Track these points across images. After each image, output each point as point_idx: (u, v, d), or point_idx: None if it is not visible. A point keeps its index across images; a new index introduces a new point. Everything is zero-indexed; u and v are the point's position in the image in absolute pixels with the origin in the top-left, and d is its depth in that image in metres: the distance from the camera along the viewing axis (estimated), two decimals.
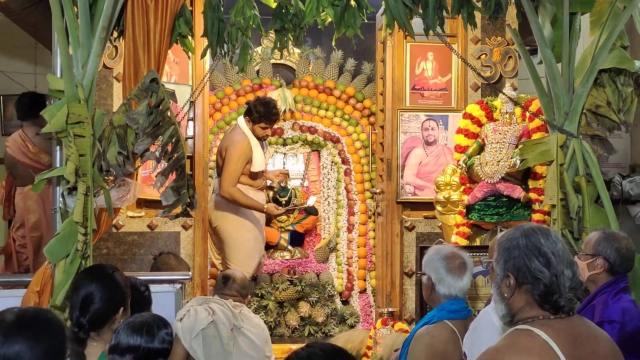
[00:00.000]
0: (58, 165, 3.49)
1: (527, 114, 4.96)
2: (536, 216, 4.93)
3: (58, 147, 3.52)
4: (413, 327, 3.70)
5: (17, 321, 2.01)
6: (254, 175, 5.70)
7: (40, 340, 1.99)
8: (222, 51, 3.98)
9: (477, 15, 4.23)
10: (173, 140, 3.56)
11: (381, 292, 5.90)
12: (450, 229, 5.26)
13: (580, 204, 3.75)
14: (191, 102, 5.16)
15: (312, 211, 6.51)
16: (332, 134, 6.53)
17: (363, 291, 6.46)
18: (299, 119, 6.49)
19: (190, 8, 4.00)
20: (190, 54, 4.21)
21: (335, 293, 6.35)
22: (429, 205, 5.48)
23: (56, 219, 3.49)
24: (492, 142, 5.06)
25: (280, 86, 6.45)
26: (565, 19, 3.81)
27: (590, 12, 4.00)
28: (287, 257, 6.39)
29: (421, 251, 4.82)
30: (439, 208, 5.30)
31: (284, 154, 6.69)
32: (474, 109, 5.29)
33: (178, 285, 3.95)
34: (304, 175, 6.70)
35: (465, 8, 3.93)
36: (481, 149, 5.18)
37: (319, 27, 4.11)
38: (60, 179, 3.42)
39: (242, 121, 5.65)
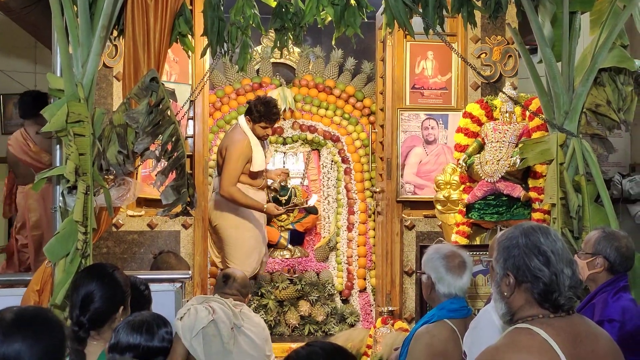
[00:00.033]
0: (58, 164, 3.50)
1: (527, 113, 4.96)
2: (536, 215, 4.93)
3: (58, 146, 3.52)
4: (413, 326, 3.70)
5: (17, 320, 2.01)
6: (254, 175, 5.69)
7: (40, 339, 1.99)
8: (222, 50, 3.98)
9: (477, 15, 4.23)
10: (173, 139, 3.56)
11: (381, 291, 5.90)
12: (450, 228, 5.26)
13: (580, 203, 3.75)
14: (191, 101, 5.16)
15: (312, 210, 6.51)
16: (332, 133, 6.53)
17: (363, 290, 6.47)
18: (298, 118, 6.49)
19: (190, 7, 3.99)
20: (190, 53, 4.21)
21: (335, 292, 6.36)
22: (429, 204, 5.48)
23: (56, 218, 3.50)
24: (492, 141, 5.05)
25: (280, 85, 6.45)
26: (565, 18, 3.81)
27: (590, 11, 4.00)
28: (287, 256, 6.39)
29: (421, 250, 4.81)
30: (439, 207, 5.30)
31: (284, 153, 6.69)
32: (474, 108, 5.28)
33: (178, 284, 3.95)
34: (303, 174, 6.70)
35: (465, 7, 3.93)
36: (481, 148, 5.18)
37: (319, 26, 4.11)
38: (60, 178, 3.42)
39: (242, 120, 5.65)
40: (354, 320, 6.20)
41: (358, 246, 6.51)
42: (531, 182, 5.05)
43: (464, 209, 5.17)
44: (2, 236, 7.17)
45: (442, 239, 5.22)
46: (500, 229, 4.87)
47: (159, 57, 3.70)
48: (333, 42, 4.37)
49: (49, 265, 3.41)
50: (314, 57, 6.64)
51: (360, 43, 5.07)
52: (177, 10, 3.77)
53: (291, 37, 4.13)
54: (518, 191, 4.97)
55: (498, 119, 5.17)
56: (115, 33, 3.81)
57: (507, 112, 5.11)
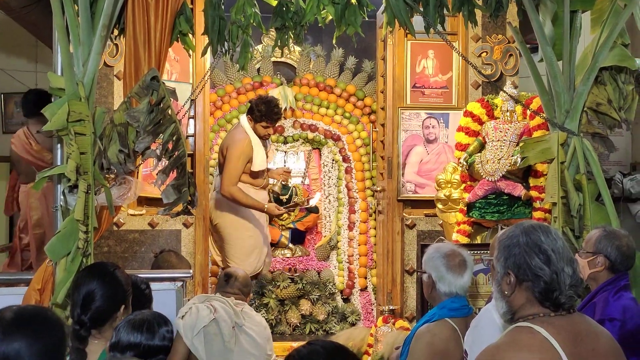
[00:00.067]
0: (59, 163, 3.50)
1: (528, 112, 4.96)
2: (537, 214, 4.92)
3: (59, 145, 3.52)
4: (414, 325, 3.70)
5: (16, 319, 2.01)
6: (255, 174, 5.69)
7: (40, 338, 1.99)
8: (223, 49, 3.97)
9: (478, 13, 4.23)
10: (174, 138, 3.56)
11: (382, 290, 5.90)
12: (451, 227, 5.26)
13: (581, 202, 3.75)
14: (192, 100, 5.16)
15: (313, 209, 6.51)
16: (333, 132, 6.53)
17: (364, 289, 6.47)
18: (299, 117, 6.50)
19: (190, 6, 4.00)
20: (190, 52, 4.21)
21: (336, 291, 6.36)
22: (429, 203, 5.48)
23: (57, 217, 3.50)
24: (492, 140, 5.05)
25: (281, 84, 6.45)
26: (566, 16, 3.81)
27: (591, 10, 3.99)
28: (288, 255, 6.40)
29: (422, 249, 4.80)
30: (439, 206, 5.30)
31: (285, 152, 6.69)
32: (475, 107, 5.28)
33: (179, 283, 3.95)
34: (304, 173, 6.70)
35: (466, 6, 3.93)
36: (482, 147, 5.17)
37: (320, 25, 4.11)
38: (61, 177, 3.42)
39: (244, 120, 5.65)
40: (355, 319, 6.20)
41: (359, 245, 6.51)
42: (532, 181, 5.04)
43: (465, 208, 5.16)
44: (3, 235, 7.18)
45: (443, 237, 5.21)
46: (501, 228, 4.87)
47: (160, 56, 3.70)
48: (334, 41, 4.36)
49: (50, 264, 3.41)
50: (314, 56, 6.64)
51: (361, 42, 5.07)
52: (177, 9, 3.77)
53: (292, 36, 4.12)
54: (519, 190, 4.97)
55: (499, 118, 5.16)
56: (116, 32, 3.81)
57: (508, 111, 5.10)
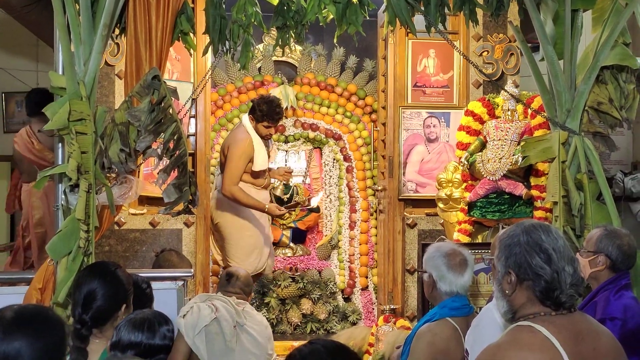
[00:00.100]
0: (60, 163, 3.50)
1: (529, 111, 4.96)
2: (538, 213, 4.92)
3: (60, 144, 3.52)
4: (415, 325, 3.70)
5: (17, 318, 2.01)
6: (257, 174, 5.68)
7: (40, 338, 1.99)
8: (224, 48, 3.98)
9: (479, 12, 4.22)
10: (175, 138, 3.56)
11: (383, 289, 5.90)
12: (452, 226, 5.26)
13: (582, 201, 3.74)
14: (193, 99, 5.16)
15: (314, 208, 6.51)
16: (334, 131, 6.53)
17: (365, 288, 6.47)
18: (300, 116, 6.49)
19: (191, 5, 4.00)
20: (192, 51, 4.21)
21: (337, 290, 6.35)
22: (430, 203, 5.48)
23: (58, 216, 3.50)
24: (494, 139, 5.05)
25: (282, 83, 6.45)
26: (567, 15, 3.80)
27: (592, 9, 3.99)
28: (289, 255, 6.40)
29: (423, 248, 4.81)
30: (440, 205, 5.30)
31: (286, 151, 6.69)
32: (476, 106, 5.28)
33: (180, 283, 3.96)
34: (305, 172, 6.70)
35: (467, 5, 3.93)
36: (483, 146, 5.17)
37: (321, 24, 4.10)
38: (63, 176, 3.42)
39: (246, 119, 5.64)
40: (356, 318, 6.20)
41: (360, 244, 6.51)
42: (533, 180, 5.04)
43: (466, 207, 5.16)
44: (5, 233, 7.18)
45: (444, 237, 5.22)
46: (502, 227, 4.87)
47: (161, 55, 3.70)
48: (335, 40, 4.36)
49: (52, 264, 3.41)
50: (315, 55, 6.64)
51: (362, 41, 5.05)
52: (178, 8, 3.77)
53: (293, 35, 4.12)
54: (520, 189, 4.97)
55: (500, 117, 5.16)
56: (117, 31, 3.81)
57: (509, 110, 5.10)
